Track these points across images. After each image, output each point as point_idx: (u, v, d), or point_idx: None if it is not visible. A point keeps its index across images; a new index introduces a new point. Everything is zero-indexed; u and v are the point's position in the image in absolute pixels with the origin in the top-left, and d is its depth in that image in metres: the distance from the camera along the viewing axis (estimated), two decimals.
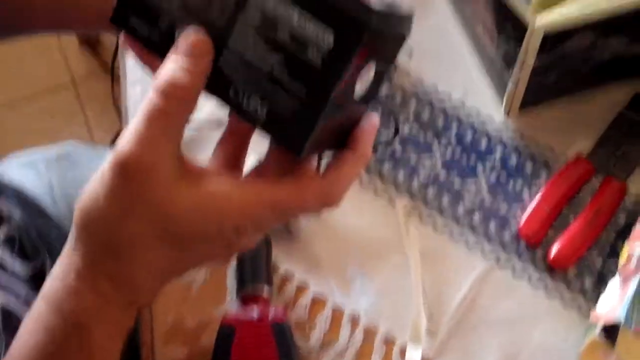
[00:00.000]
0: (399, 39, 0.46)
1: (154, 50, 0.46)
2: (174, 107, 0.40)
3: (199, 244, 0.42)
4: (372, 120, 0.46)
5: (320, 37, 0.42)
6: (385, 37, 0.44)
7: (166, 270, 0.42)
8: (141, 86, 0.76)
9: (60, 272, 0.42)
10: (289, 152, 0.43)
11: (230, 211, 0.41)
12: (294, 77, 0.43)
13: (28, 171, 0.89)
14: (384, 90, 0.73)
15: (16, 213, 0.70)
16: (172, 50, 0.42)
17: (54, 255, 0.72)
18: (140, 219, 0.40)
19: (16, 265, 0.62)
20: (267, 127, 0.43)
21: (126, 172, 0.40)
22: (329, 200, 0.44)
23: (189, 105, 0.41)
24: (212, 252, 0.43)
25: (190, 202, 0.40)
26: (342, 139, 0.47)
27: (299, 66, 0.43)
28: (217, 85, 0.44)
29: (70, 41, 1.73)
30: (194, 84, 0.41)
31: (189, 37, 0.42)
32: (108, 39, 1.68)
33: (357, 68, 0.43)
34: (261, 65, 0.43)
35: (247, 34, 0.43)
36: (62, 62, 1.76)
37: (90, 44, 1.61)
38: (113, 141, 1.60)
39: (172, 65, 0.41)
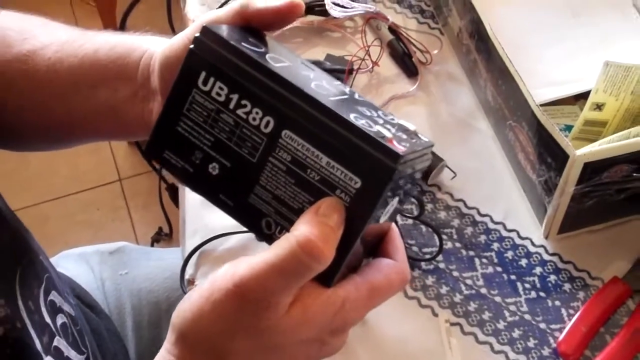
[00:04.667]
0: (422, 169, 0.48)
1: (187, 181, 0.49)
2: (314, 266, 0.43)
3: (296, 348, 0.46)
4: (397, 233, 0.50)
5: (348, 180, 0.44)
6: (409, 174, 0.46)
7: None
8: None
9: None
10: (319, 283, 0.45)
11: (329, 317, 0.45)
12: None
13: (81, 265, 0.92)
14: (428, 207, 0.78)
15: (68, 304, 0.74)
16: (313, 210, 0.44)
17: (102, 348, 0.75)
18: (244, 339, 0.44)
19: (71, 353, 0.65)
20: None
21: (241, 303, 0.43)
22: (407, 278, 0.48)
23: (323, 268, 0.43)
24: (308, 353, 0.47)
25: (294, 322, 0.44)
26: (369, 249, 0.49)
27: None
28: (250, 218, 0.46)
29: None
30: (331, 255, 0.43)
31: (333, 208, 0.44)
32: None
33: (383, 204, 0.45)
34: (292, 202, 0.45)
35: (277, 172, 0.46)
36: (111, 160, 1.85)
37: (138, 144, 1.69)
38: (154, 236, 1.65)
39: (317, 230, 0.43)
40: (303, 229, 0.43)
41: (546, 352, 0.69)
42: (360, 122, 0.44)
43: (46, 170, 1.83)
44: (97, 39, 0.63)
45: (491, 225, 0.77)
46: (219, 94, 0.47)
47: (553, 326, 0.71)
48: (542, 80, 0.78)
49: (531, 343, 0.70)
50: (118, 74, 0.60)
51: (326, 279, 0.45)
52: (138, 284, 0.90)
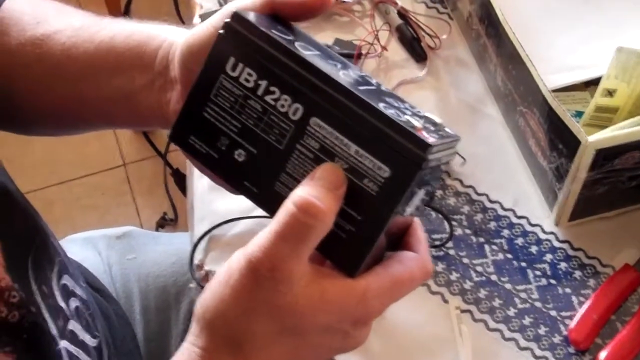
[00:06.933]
0: (447, 162, 0.48)
1: (211, 167, 0.48)
2: (313, 223, 0.42)
3: (317, 336, 0.45)
4: (420, 226, 0.50)
5: (377, 169, 0.44)
6: (437, 165, 0.46)
7: None
8: (208, 179, 0.80)
9: None
10: (342, 271, 0.45)
11: (350, 306, 0.44)
12: (349, 203, 0.44)
13: (88, 249, 0.92)
14: (437, 193, 0.78)
15: (80, 288, 0.73)
16: (309, 177, 0.44)
17: (112, 332, 0.75)
18: (264, 319, 0.44)
19: (86, 337, 0.65)
20: (322, 247, 0.44)
21: (257, 278, 0.43)
22: (429, 271, 0.48)
23: (326, 226, 0.43)
24: (330, 345, 0.46)
25: (312, 301, 0.44)
26: (392, 242, 0.48)
27: (355, 193, 0.44)
28: (275, 205, 0.45)
29: None
30: (330, 212, 0.43)
31: (328, 170, 0.44)
32: None
33: (410, 195, 0.45)
34: None
35: (305, 160, 0.45)
36: (116, 144, 1.84)
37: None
38: (159, 221, 1.65)
39: (313, 190, 0.43)
40: (298, 191, 0.43)
41: (557, 339, 0.69)
42: (390, 112, 0.44)
43: (51, 154, 1.83)
44: (114, 26, 0.62)
45: (501, 212, 0.77)
46: (247, 80, 0.46)
47: (564, 314, 0.71)
48: (553, 66, 0.78)
49: (542, 330, 0.70)
50: (134, 62, 0.59)
51: (350, 269, 0.45)
52: (145, 269, 0.90)
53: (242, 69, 0.47)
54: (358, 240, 0.44)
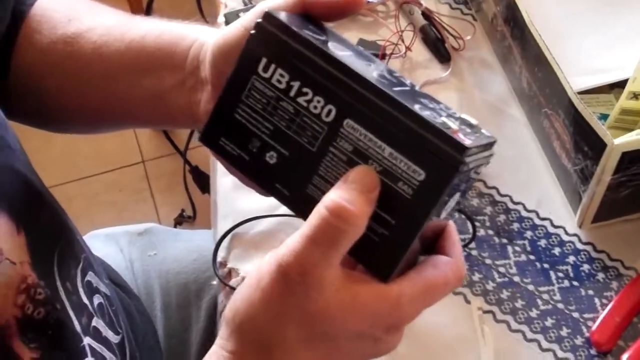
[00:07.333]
0: (484, 164, 0.47)
1: (242, 169, 0.48)
2: (346, 227, 0.42)
3: (348, 342, 0.45)
4: (454, 230, 0.49)
5: (412, 172, 0.43)
6: (472, 168, 0.45)
7: None
8: (232, 177, 0.80)
9: None
10: (375, 276, 0.44)
11: (383, 311, 0.44)
12: (383, 206, 0.43)
13: (110, 246, 0.93)
14: None
15: (104, 285, 0.74)
16: (342, 180, 0.44)
17: (134, 327, 0.76)
18: (294, 324, 0.43)
19: (109, 334, 0.65)
20: (354, 251, 0.43)
21: (287, 283, 0.42)
22: (462, 275, 0.47)
23: (358, 230, 0.42)
24: (362, 350, 0.46)
25: (344, 306, 0.43)
26: (426, 246, 0.47)
27: (388, 196, 0.43)
28: (307, 208, 0.44)
29: None
30: (363, 215, 0.42)
31: (362, 173, 0.44)
32: None
33: (445, 199, 0.44)
34: None
35: (337, 162, 0.44)
36: (135, 141, 1.85)
37: None
38: (177, 218, 1.65)
39: (346, 193, 0.42)
40: (331, 195, 0.43)
41: (579, 341, 0.69)
42: (425, 113, 0.43)
43: (70, 150, 1.84)
44: (144, 25, 0.62)
45: (524, 213, 0.77)
46: (279, 81, 0.46)
47: (586, 315, 0.71)
48: (579, 68, 0.77)
49: (564, 332, 0.70)
50: (165, 62, 0.59)
51: (383, 273, 0.44)
52: (166, 265, 0.90)
53: (274, 70, 0.46)
54: (392, 244, 0.44)
